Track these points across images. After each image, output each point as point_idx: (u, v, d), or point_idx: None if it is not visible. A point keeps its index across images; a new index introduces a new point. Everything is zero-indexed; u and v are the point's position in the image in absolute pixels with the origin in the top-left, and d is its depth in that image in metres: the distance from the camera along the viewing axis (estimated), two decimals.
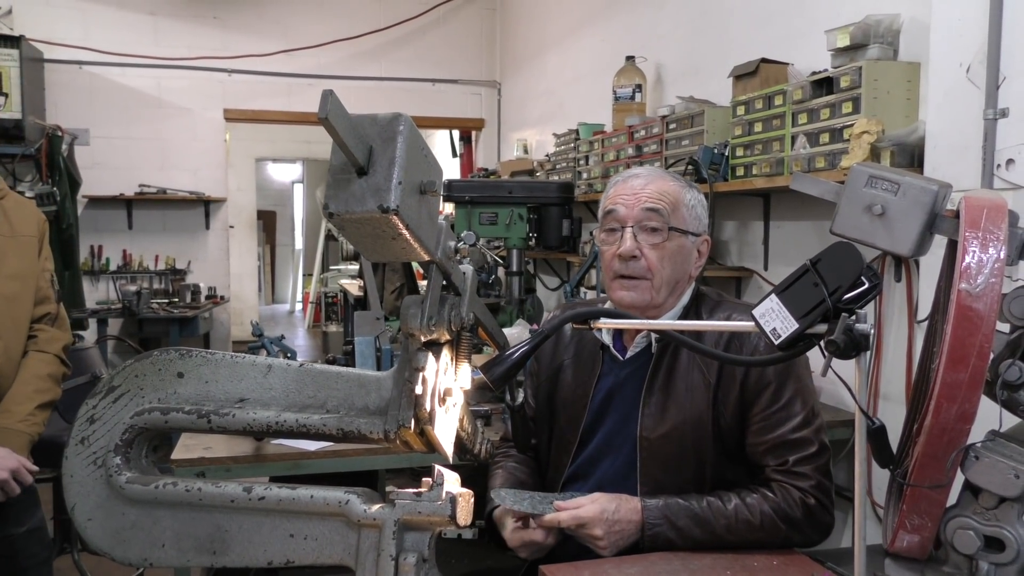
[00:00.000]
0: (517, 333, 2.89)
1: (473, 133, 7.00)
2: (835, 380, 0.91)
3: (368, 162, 0.79)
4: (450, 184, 3.71)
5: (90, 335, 5.33)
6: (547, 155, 4.91)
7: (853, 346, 0.86)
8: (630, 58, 3.81)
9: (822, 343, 0.88)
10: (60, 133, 5.61)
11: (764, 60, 2.76)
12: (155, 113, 6.08)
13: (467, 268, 1.06)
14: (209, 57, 6.08)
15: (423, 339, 1.00)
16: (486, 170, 6.04)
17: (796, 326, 0.89)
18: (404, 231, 0.81)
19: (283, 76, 6.24)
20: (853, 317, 0.86)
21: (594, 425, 1.60)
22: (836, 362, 0.88)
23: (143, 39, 5.99)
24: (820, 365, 0.91)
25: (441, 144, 8.00)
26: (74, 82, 5.89)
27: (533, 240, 3.84)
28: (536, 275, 4.83)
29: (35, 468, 1.83)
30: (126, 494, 1.13)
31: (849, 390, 0.89)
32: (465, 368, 1.09)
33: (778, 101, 2.60)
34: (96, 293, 6.01)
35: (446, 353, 1.05)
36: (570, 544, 1.45)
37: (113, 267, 6.06)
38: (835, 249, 0.92)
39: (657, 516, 1.41)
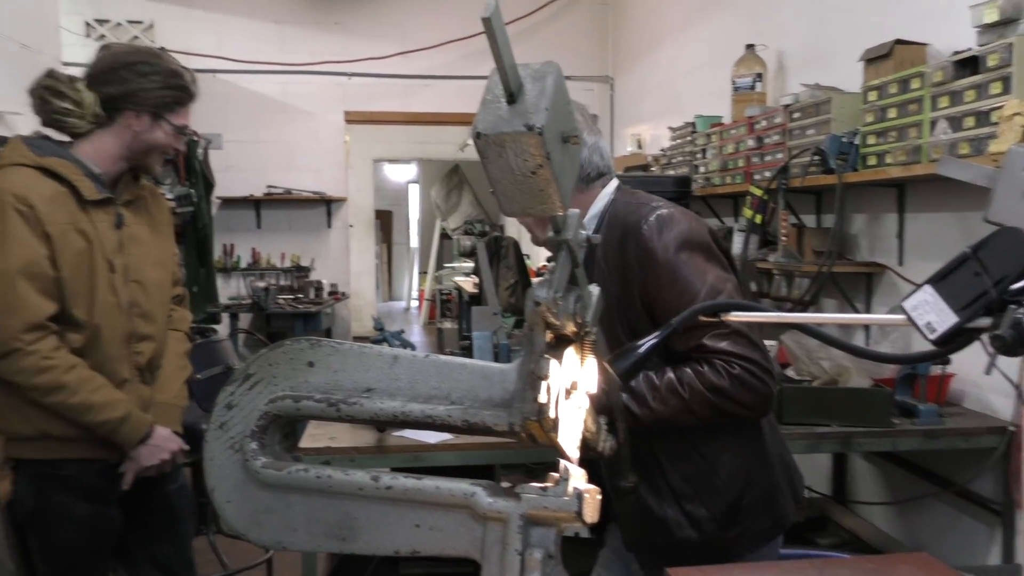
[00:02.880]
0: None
1: None
2: (979, 382, 0.83)
3: (519, 93, 0.81)
4: None
5: (223, 329, 5.63)
6: (662, 149, 4.81)
7: (1021, 341, 0.78)
8: (750, 46, 3.68)
9: (985, 338, 0.80)
10: (196, 138, 5.95)
11: (899, 41, 2.60)
12: (281, 117, 6.35)
13: (595, 288, 1.03)
14: (330, 62, 6.30)
15: (548, 321, 0.97)
16: None
17: (955, 319, 0.82)
18: (545, 161, 0.82)
19: (400, 78, 6.39)
20: (1022, 310, 0.78)
21: None
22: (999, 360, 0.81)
23: (270, 47, 6.28)
24: (982, 362, 0.83)
25: None
26: (209, 89, 6.14)
27: None
28: None
29: (187, 446, 2.03)
30: (261, 478, 1.17)
31: (1017, 389, 0.81)
32: (589, 367, 1.07)
33: (915, 84, 2.44)
34: (228, 289, 6.34)
35: (570, 352, 1.04)
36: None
37: (243, 264, 6.38)
38: (1000, 235, 0.85)
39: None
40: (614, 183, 1.75)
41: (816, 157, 2.82)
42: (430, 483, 1.08)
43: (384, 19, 6.41)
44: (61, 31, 5.82)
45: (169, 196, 5.51)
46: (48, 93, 1.92)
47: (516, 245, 5.35)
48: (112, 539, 1.98)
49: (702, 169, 4.07)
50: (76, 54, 5.70)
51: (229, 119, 6.31)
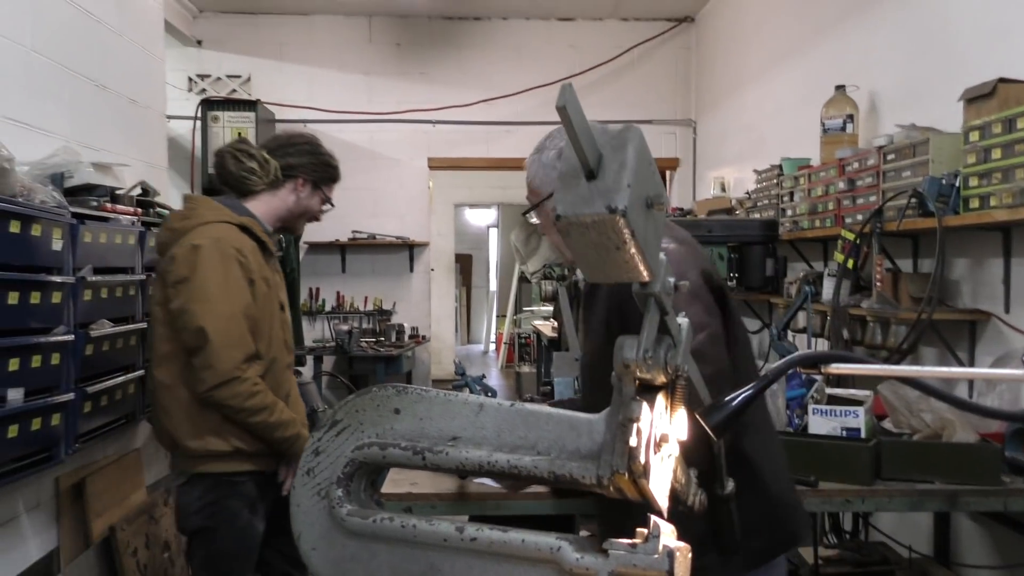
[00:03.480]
0: None
1: (667, 173, 6.91)
2: None
3: (598, 167, 0.79)
4: None
5: (307, 371, 5.76)
6: (747, 192, 4.72)
7: None
8: (839, 87, 3.60)
9: None
10: None
11: (1002, 80, 2.49)
12: (368, 164, 6.54)
13: (683, 320, 1.01)
14: (416, 110, 6.47)
15: (638, 375, 0.95)
16: (681, 210, 5.92)
17: None
18: (629, 239, 0.79)
19: (482, 124, 6.51)
20: None
21: None
22: None
23: (359, 97, 6.50)
24: None
25: None
26: None
27: (734, 280, 3.69)
28: None
29: None
30: (346, 526, 1.16)
31: None
32: (680, 416, 1.03)
33: (1021, 124, 2.33)
34: (313, 332, 6.50)
35: (661, 399, 1.00)
36: None
37: (328, 307, 6.54)
38: None
39: None
40: None
41: (913, 200, 2.72)
42: (515, 536, 1.05)
43: (468, 69, 6.56)
44: (167, 87, 6.17)
45: None
46: (239, 155, 2.34)
47: None
48: (259, 543, 2.30)
49: (789, 212, 3.97)
50: (179, 108, 6.03)
51: None
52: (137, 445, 3.64)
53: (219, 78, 6.45)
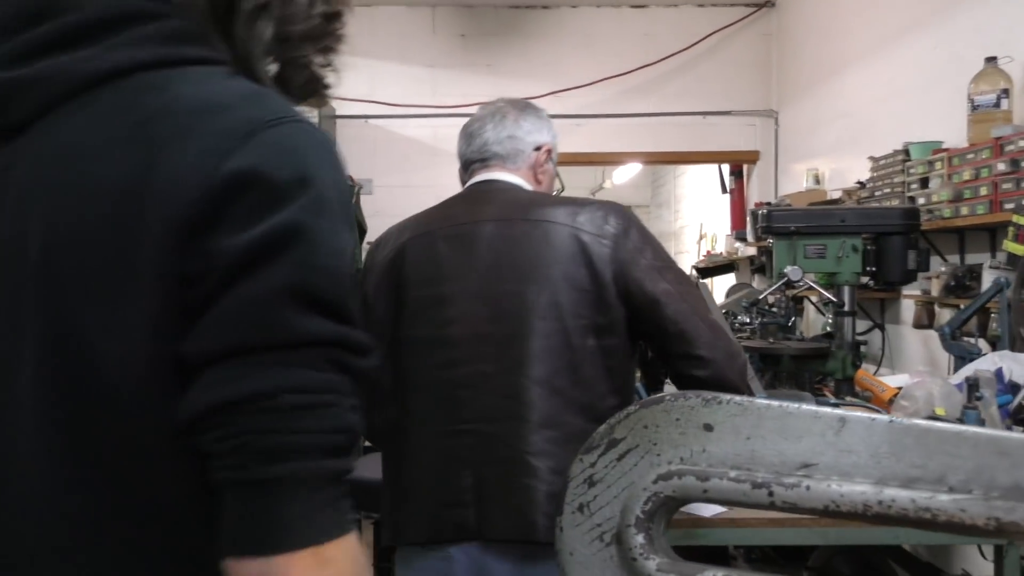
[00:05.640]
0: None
1: (745, 167, 6.55)
2: None
3: None
4: (770, 214, 3.32)
5: None
6: (859, 182, 4.36)
7: None
8: (990, 59, 3.23)
9: None
10: (351, 184, 5.91)
11: None
12: (431, 160, 6.25)
13: None
14: (482, 103, 6.16)
15: None
16: (769, 204, 5.57)
17: None
18: None
19: (552, 118, 6.19)
20: None
21: None
22: None
23: (422, 90, 6.21)
24: None
25: (708, 180, 7.63)
26: (360, 135, 6.21)
27: (870, 275, 3.33)
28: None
29: None
30: None
31: None
32: None
33: None
34: None
35: None
36: None
37: None
38: None
39: None
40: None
41: None
42: None
43: (536, 60, 6.25)
44: None
45: None
46: None
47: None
48: None
49: (921, 201, 3.61)
50: None
51: (378, 164, 6.27)
52: None
53: None
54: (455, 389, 1.60)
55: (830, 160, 5.22)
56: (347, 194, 0.74)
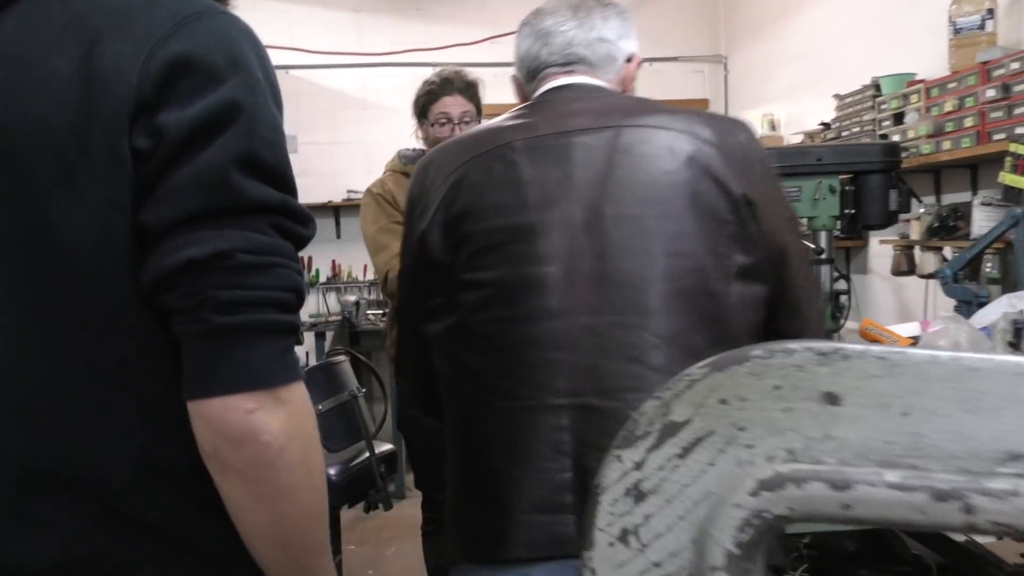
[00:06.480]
0: None
1: None
2: None
3: None
4: None
5: (302, 350, 5.04)
6: (823, 123, 4.10)
7: None
8: None
9: None
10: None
11: None
12: (361, 115, 5.78)
13: None
14: (413, 50, 5.71)
15: None
16: None
17: None
18: None
19: (489, 66, 5.74)
20: None
21: None
22: None
23: (347, 38, 5.71)
24: None
25: None
26: (281, 88, 5.67)
27: (847, 218, 3.06)
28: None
29: None
30: None
31: None
32: None
33: None
34: (307, 306, 5.75)
35: None
36: None
37: (323, 279, 5.80)
38: None
39: None
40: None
41: None
42: None
43: (470, 2, 5.81)
44: None
45: None
46: None
47: None
48: None
49: (896, 137, 3.35)
50: None
51: (302, 119, 5.73)
52: None
53: None
54: (546, 350, 1.16)
55: (786, 104, 4.96)
56: (274, 77, 0.84)
